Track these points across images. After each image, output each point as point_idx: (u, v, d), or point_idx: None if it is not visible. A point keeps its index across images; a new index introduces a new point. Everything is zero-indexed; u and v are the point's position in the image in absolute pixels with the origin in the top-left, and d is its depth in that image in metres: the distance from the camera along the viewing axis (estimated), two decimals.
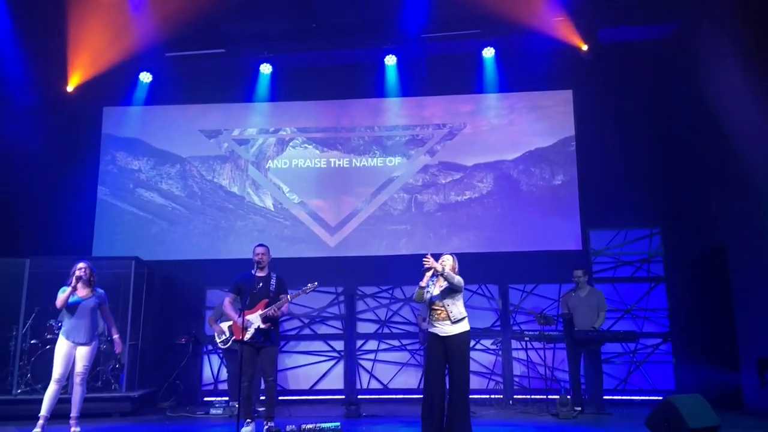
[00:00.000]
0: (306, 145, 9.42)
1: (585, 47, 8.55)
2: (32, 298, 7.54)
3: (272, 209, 9.26)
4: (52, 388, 5.56)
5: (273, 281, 5.85)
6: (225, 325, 6.97)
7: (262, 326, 5.69)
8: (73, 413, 5.66)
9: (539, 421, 6.53)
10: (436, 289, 5.20)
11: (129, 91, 9.33)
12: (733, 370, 7.11)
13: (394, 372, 8.64)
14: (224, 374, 8.32)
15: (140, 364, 8.02)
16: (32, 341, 7.38)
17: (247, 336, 5.68)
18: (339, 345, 8.77)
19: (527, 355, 7.99)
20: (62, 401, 5.67)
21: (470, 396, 5.17)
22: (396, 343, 8.74)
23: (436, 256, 5.19)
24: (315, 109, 9.49)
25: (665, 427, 4.81)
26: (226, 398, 7.55)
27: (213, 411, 7.24)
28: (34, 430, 5.43)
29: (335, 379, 8.66)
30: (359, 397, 8.05)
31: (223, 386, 8.39)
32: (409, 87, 9.28)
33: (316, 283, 5.90)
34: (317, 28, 8.63)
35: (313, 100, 9.49)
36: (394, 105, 9.39)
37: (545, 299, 8.61)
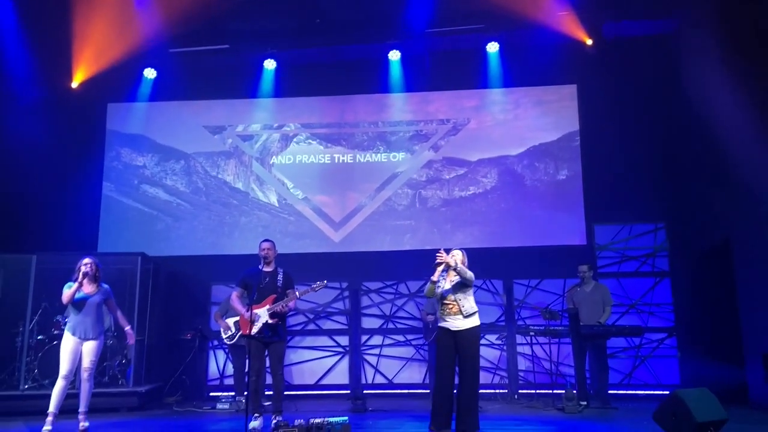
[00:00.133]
0: (310, 140, 9.42)
1: (589, 42, 8.58)
2: (39, 294, 7.61)
3: (276, 205, 9.27)
4: (59, 385, 5.56)
5: (280, 276, 5.84)
6: (231, 321, 7.00)
7: (270, 321, 5.69)
8: (82, 408, 5.67)
9: (545, 416, 6.53)
10: (447, 284, 5.23)
11: (133, 87, 9.34)
12: (738, 364, 7.12)
13: (398, 367, 8.66)
14: (230, 370, 8.35)
15: (147, 360, 8.08)
16: (39, 337, 7.43)
17: (255, 330, 5.66)
18: (344, 340, 8.80)
19: (532, 350, 7.98)
20: (70, 396, 5.70)
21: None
22: (401, 338, 8.76)
23: (447, 252, 5.23)
24: (319, 104, 9.49)
25: (673, 420, 4.82)
26: (232, 393, 7.58)
27: (220, 406, 7.26)
28: (45, 427, 5.43)
29: (340, 374, 8.70)
30: (364, 392, 8.07)
31: (229, 381, 8.42)
32: (413, 82, 9.27)
33: (325, 282, 5.91)
34: (321, 23, 8.67)
35: (317, 95, 9.49)
36: (398, 100, 9.38)
37: (550, 294, 8.62)
